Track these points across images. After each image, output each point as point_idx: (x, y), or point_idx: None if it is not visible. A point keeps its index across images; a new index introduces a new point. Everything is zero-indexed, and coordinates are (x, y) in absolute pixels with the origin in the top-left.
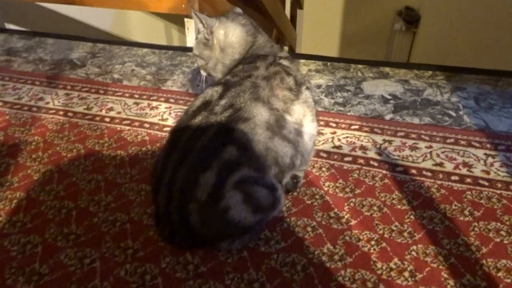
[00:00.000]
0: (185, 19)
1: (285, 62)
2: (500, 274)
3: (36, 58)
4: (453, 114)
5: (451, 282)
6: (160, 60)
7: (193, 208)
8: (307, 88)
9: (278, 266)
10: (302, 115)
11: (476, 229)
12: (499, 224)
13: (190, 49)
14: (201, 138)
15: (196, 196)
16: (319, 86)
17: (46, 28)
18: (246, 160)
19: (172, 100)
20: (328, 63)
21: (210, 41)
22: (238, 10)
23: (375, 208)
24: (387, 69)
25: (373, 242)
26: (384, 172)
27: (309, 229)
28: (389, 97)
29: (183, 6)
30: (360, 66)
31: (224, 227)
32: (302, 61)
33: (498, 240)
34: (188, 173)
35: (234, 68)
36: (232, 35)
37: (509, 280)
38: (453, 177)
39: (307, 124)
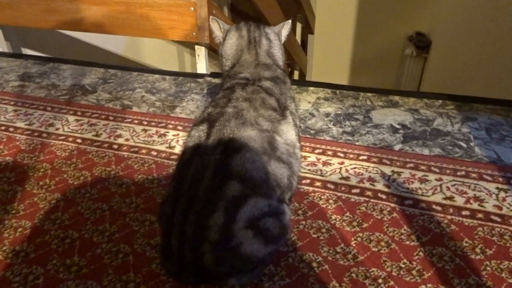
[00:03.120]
0: (196, 46)
1: (266, 84)
2: None
3: (49, 84)
4: (464, 145)
5: None
6: (170, 87)
7: (206, 248)
8: (291, 113)
9: None
10: (290, 136)
11: (488, 268)
12: (508, 262)
13: (199, 76)
14: (201, 182)
15: (208, 238)
16: (327, 115)
17: (61, 52)
18: (251, 190)
19: (180, 128)
20: (337, 91)
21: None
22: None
23: (383, 243)
24: (396, 98)
25: (380, 280)
26: (393, 205)
27: (314, 264)
28: (398, 126)
29: (194, 34)
30: (369, 94)
31: (237, 263)
32: (311, 88)
33: (510, 281)
34: (197, 218)
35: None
36: (227, 44)
37: None
38: (464, 212)
39: (296, 145)
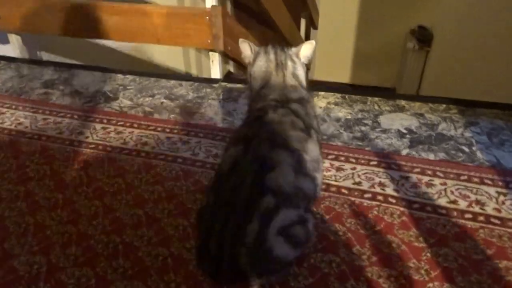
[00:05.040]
0: (210, 53)
1: (294, 106)
2: None
3: (73, 91)
4: (467, 149)
5: None
6: (187, 92)
7: (242, 252)
8: (315, 131)
9: None
10: (315, 153)
11: (488, 267)
12: (510, 263)
13: (215, 81)
14: (240, 195)
15: (244, 243)
16: (338, 120)
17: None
18: (283, 203)
19: (201, 135)
20: (346, 96)
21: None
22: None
23: (394, 245)
24: (403, 102)
25: (392, 279)
26: (402, 209)
27: (333, 265)
28: (405, 131)
29: (209, 41)
30: (376, 99)
31: (268, 264)
32: (322, 93)
33: (508, 278)
34: (235, 226)
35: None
36: (257, 66)
37: None
38: (466, 215)
39: (319, 160)
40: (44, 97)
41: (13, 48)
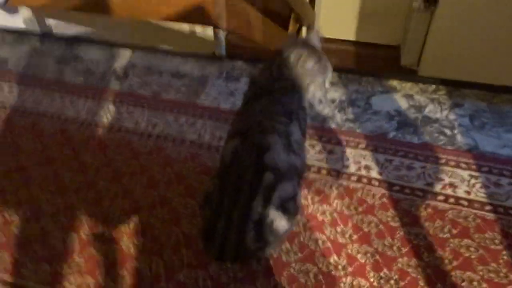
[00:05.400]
0: (214, 29)
1: (276, 95)
2: (464, 284)
3: (85, 69)
4: (448, 132)
5: None
6: (192, 70)
7: (250, 227)
8: (297, 118)
9: (296, 273)
10: (297, 135)
11: (451, 245)
12: (470, 241)
13: (218, 58)
14: (244, 177)
15: (251, 218)
16: (333, 101)
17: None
18: (280, 178)
19: (206, 117)
20: (342, 75)
21: None
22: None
23: (372, 224)
24: (395, 83)
25: (368, 255)
26: (383, 191)
27: (319, 242)
28: (394, 113)
29: (212, 19)
30: (370, 78)
31: (270, 237)
32: None
33: (467, 255)
34: (243, 204)
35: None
36: None
37: None
38: (439, 197)
39: (301, 141)
40: (58, 75)
41: (23, 20)
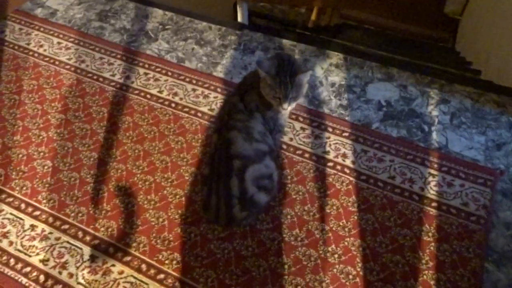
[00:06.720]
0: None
1: (234, 99)
2: (391, 265)
3: (121, 27)
4: (426, 129)
5: (360, 264)
6: (215, 38)
7: (234, 201)
8: (257, 111)
9: (264, 239)
10: (259, 127)
11: (392, 232)
12: (408, 231)
13: (240, 26)
14: (220, 164)
15: (234, 194)
16: (333, 85)
17: None
18: (248, 162)
19: (219, 90)
20: (348, 58)
21: None
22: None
23: (334, 207)
24: (394, 71)
25: (324, 232)
26: (351, 179)
27: (288, 217)
28: (384, 103)
29: None
30: (373, 64)
31: (253, 207)
32: (328, 52)
33: (402, 242)
34: (225, 184)
35: None
36: None
37: (399, 272)
38: (396, 190)
39: (265, 131)
40: (99, 31)
41: None
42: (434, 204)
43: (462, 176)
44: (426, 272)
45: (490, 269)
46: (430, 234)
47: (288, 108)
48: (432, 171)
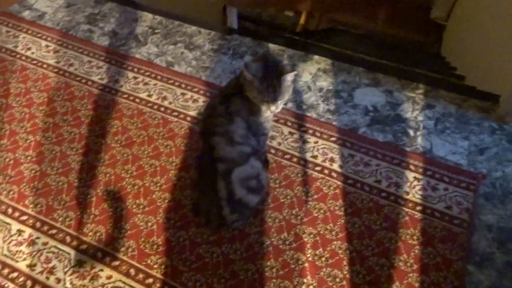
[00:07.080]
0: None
1: (215, 101)
2: (377, 268)
3: (110, 31)
4: (412, 133)
5: (346, 268)
6: (204, 43)
7: (224, 203)
8: (236, 115)
9: (253, 243)
10: (241, 131)
11: (378, 235)
12: (394, 234)
13: (229, 31)
14: (206, 168)
15: (222, 197)
16: (321, 89)
17: None
18: (232, 164)
19: (208, 94)
20: (336, 63)
21: None
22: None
23: (322, 211)
24: (380, 76)
25: (311, 235)
26: (338, 183)
27: (276, 220)
28: (371, 108)
29: None
30: (360, 69)
31: (242, 209)
32: (316, 57)
33: (387, 245)
34: (212, 188)
35: None
36: None
37: (384, 275)
38: (382, 194)
39: (247, 134)
40: (88, 34)
41: None
42: (418, 207)
43: (446, 180)
44: (411, 274)
45: (472, 271)
46: (414, 237)
47: (276, 110)
48: (418, 175)
